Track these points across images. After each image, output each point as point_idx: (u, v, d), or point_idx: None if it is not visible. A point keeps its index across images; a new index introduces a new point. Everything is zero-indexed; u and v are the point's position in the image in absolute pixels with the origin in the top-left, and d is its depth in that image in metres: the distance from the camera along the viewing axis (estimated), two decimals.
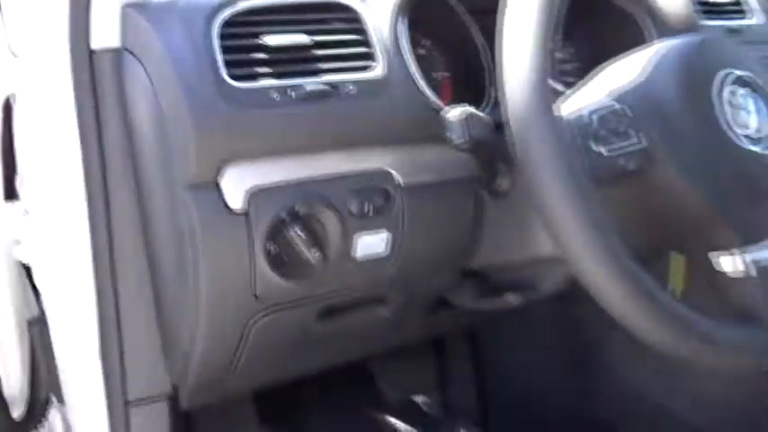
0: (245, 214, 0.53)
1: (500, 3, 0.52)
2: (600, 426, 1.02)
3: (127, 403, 0.68)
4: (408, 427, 1.15)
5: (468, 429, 1.15)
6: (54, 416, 0.77)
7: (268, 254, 0.54)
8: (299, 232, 0.55)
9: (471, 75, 0.70)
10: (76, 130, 0.60)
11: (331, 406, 1.10)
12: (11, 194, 0.72)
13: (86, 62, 0.59)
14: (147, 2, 0.59)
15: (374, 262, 0.60)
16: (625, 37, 0.78)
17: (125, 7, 0.58)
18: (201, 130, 0.51)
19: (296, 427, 1.05)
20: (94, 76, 0.59)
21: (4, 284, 0.72)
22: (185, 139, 0.51)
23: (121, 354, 0.66)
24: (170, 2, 0.58)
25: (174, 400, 0.70)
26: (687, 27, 0.75)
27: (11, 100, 0.68)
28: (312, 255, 0.55)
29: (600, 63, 0.61)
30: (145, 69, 0.54)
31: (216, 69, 0.52)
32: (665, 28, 0.75)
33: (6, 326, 0.73)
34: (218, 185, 0.53)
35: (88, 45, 0.58)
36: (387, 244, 0.59)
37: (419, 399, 1.18)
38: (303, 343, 0.67)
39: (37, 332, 0.71)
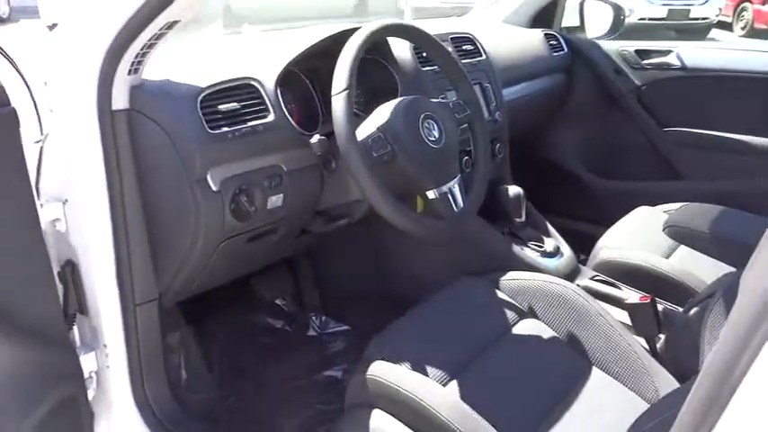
0: (219, 192, 1.08)
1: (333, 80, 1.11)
2: (395, 297, 1.63)
3: (135, 305, 1.17)
4: (276, 321, 1.73)
5: (315, 316, 1.76)
6: (79, 324, 1.21)
7: (230, 210, 1.10)
8: (244, 198, 1.11)
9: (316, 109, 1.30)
10: (102, 158, 1.05)
11: (228, 309, 1.64)
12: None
13: (109, 118, 1.05)
14: (144, 83, 1.07)
15: (276, 209, 1.18)
16: (391, 85, 1.42)
17: (132, 86, 1.05)
18: (199, 153, 1.05)
19: (206, 321, 1.58)
20: (114, 127, 1.05)
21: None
22: (192, 158, 1.04)
23: (131, 276, 1.13)
24: (161, 83, 1.07)
25: (159, 301, 1.21)
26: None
27: (43, 139, 1.10)
28: (249, 208, 1.12)
29: (378, 100, 1.23)
30: (158, 124, 1.04)
31: (201, 124, 1.05)
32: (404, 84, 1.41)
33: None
34: (206, 179, 1.07)
35: (110, 107, 1.04)
36: (282, 200, 1.18)
37: (281, 300, 1.76)
38: (238, 257, 1.23)
39: (69, 271, 1.15)
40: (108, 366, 1.17)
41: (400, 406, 0.98)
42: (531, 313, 1.22)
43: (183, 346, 1.39)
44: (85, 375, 1.14)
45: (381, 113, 1.18)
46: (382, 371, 1.02)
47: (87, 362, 1.17)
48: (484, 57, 1.66)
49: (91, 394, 1.15)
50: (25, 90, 1.05)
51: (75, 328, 1.20)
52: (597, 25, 2.14)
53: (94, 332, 1.17)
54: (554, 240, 1.60)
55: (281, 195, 1.17)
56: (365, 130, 1.15)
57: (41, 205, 1.10)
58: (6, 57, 1.03)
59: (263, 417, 1.44)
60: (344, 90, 1.08)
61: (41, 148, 1.10)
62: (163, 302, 1.21)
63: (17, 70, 1.04)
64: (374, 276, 1.69)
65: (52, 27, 1.00)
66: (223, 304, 1.60)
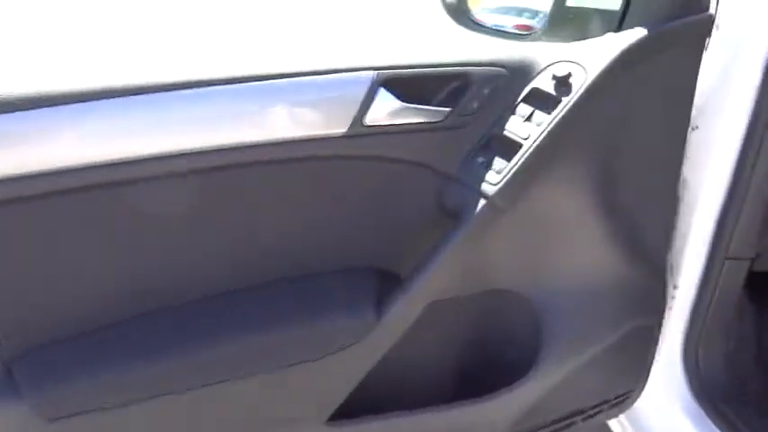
0: None
1: None
2: None
3: (724, 257, 1.04)
4: None
5: None
6: None
7: None
8: None
9: None
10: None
11: None
12: None
13: None
14: None
15: None
16: None
17: None
18: None
19: None
20: None
21: None
22: None
23: (734, 223, 0.98)
24: None
25: (752, 263, 1.06)
26: None
27: None
28: None
29: None
30: None
31: None
32: None
33: None
34: None
35: None
36: None
37: None
38: None
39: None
40: (670, 309, 1.09)
41: None
42: None
43: (747, 323, 1.21)
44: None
45: None
46: None
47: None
48: None
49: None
50: None
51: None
52: None
53: (669, 269, 1.10)
54: None
55: None
56: None
57: None
58: None
59: None
60: None
61: None
62: (755, 266, 1.05)
63: None
64: None
65: None
66: None
